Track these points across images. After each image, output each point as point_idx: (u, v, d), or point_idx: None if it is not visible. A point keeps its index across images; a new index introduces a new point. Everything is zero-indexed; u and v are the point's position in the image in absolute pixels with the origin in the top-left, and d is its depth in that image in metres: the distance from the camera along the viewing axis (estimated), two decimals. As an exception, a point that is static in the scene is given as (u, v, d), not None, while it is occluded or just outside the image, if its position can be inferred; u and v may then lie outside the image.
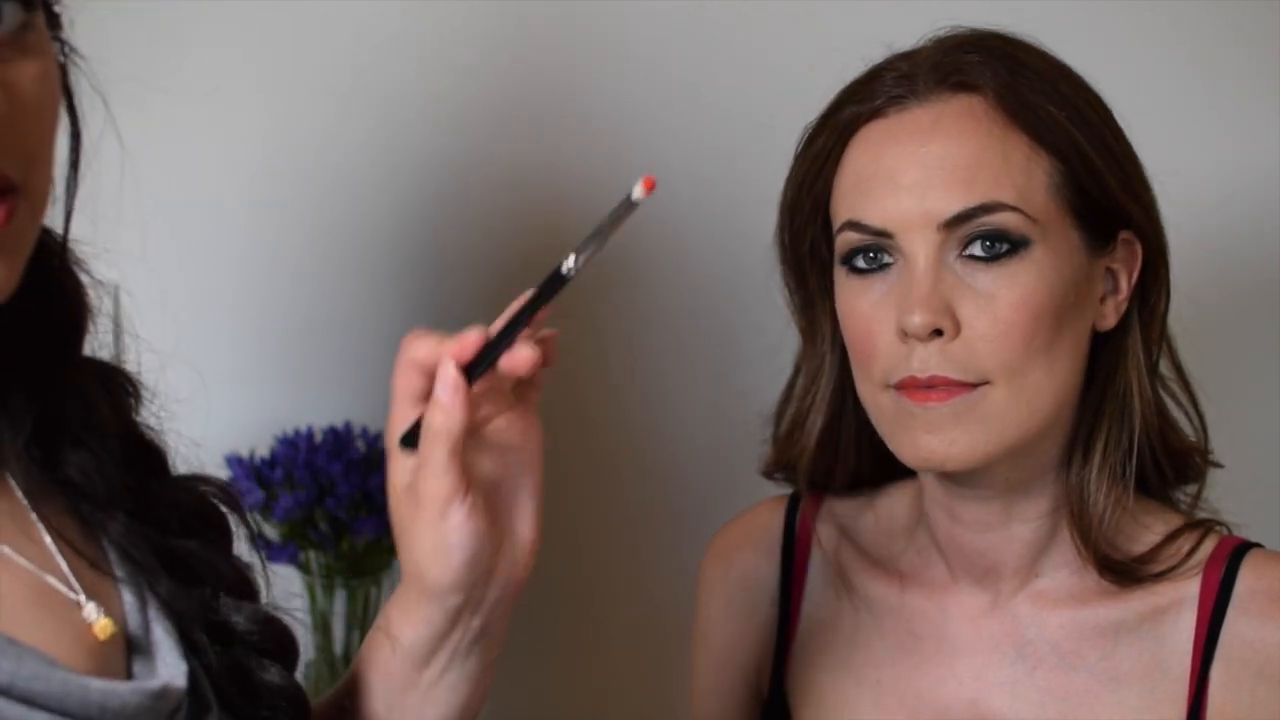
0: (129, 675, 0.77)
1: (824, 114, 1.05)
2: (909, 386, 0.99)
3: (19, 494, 0.78)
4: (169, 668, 0.78)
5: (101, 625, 0.76)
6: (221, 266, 1.49)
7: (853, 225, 1.01)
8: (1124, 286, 1.04)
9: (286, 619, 0.86)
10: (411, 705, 0.87)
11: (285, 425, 1.45)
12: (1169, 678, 1.04)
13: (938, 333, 0.98)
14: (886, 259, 1.00)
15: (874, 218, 1.00)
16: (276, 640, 0.85)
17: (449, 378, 0.78)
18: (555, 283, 0.79)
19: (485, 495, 0.82)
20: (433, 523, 0.80)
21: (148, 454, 0.86)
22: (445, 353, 0.79)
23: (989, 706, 1.08)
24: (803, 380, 1.12)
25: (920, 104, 1.00)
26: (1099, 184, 1.00)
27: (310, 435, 1.43)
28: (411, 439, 0.82)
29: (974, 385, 0.98)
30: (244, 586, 0.86)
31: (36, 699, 0.70)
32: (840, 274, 1.03)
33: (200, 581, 0.83)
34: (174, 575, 0.81)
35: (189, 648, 0.80)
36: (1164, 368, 1.08)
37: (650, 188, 0.76)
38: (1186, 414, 1.09)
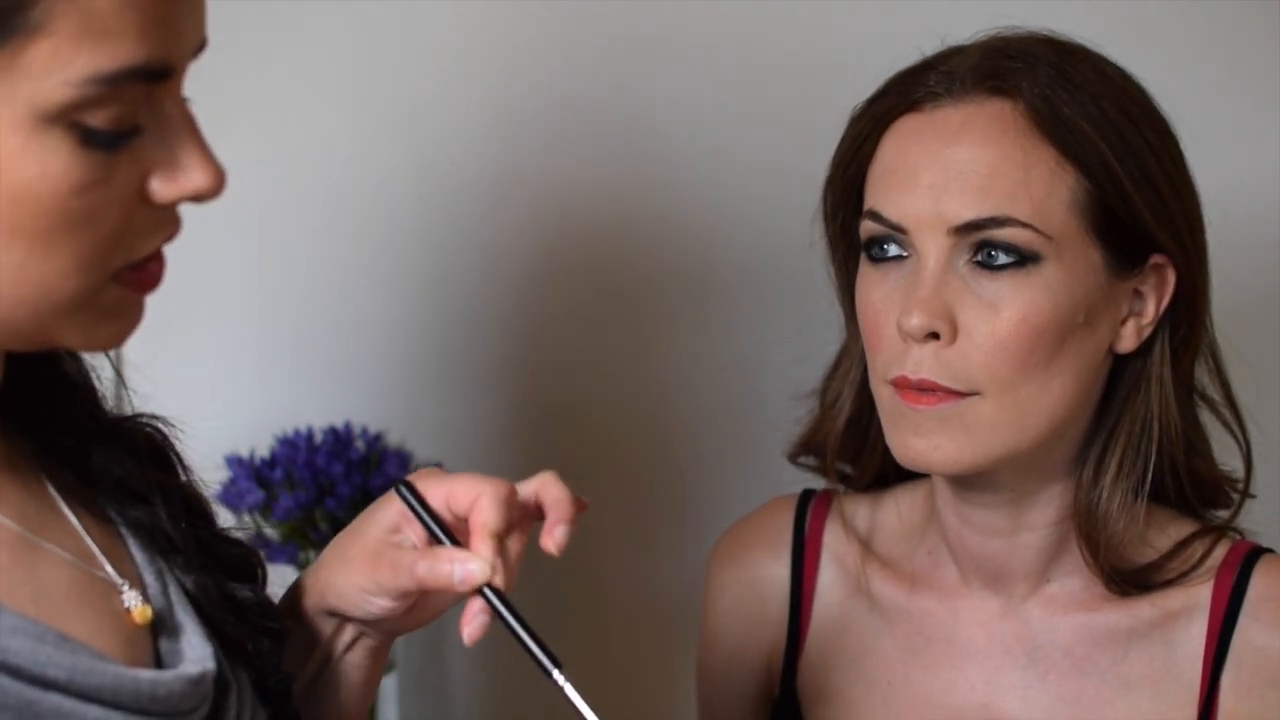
0: (157, 656, 0.79)
1: (871, 98, 1.05)
2: (902, 385, 0.99)
3: (51, 489, 0.80)
4: (195, 649, 0.80)
5: (140, 611, 0.79)
6: (222, 266, 1.48)
7: (873, 215, 1.02)
8: (1150, 311, 1.02)
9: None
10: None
11: (285, 425, 1.44)
12: (1180, 683, 1.04)
13: (934, 336, 0.98)
14: (900, 251, 1.01)
15: (891, 212, 1.00)
16: (242, 561, 0.89)
17: (474, 580, 0.82)
18: (541, 661, 0.86)
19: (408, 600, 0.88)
20: (364, 588, 0.86)
21: (152, 445, 0.88)
22: (488, 558, 0.83)
23: (1000, 710, 1.07)
24: (844, 360, 1.12)
25: (954, 104, 1.00)
26: (1127, 206, 0.99)
27: (310, 435, 1.42)
28: (411, 497, 0.85)
29: (963, 394, 0.98)
30: (246, 566, 0.90)
31: (92, 693, 0.73)
32: (862, 260, 1.04)
33: (213, 561, 0.86)
34: (189, 557, 0.85)
35: (210, 627, 0.83)
36: (1214, 391, 1.08)
37: None
38: (1237, 441, 1.09)
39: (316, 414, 1.47)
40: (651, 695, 1.54)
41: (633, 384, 1.54)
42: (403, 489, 0.85)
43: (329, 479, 1.40)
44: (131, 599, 0.79)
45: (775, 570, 1.16)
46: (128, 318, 0.75)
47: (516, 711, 1.57)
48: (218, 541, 0.88)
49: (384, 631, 0.91)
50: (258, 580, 0.90)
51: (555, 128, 1.49)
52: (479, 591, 0.82)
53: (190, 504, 0.87)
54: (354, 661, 0.92)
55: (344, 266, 1.52)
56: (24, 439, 0.81)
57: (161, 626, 0.80)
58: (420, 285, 1.52)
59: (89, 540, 0.80)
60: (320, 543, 1.40)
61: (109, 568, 0.79)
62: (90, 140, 0.68)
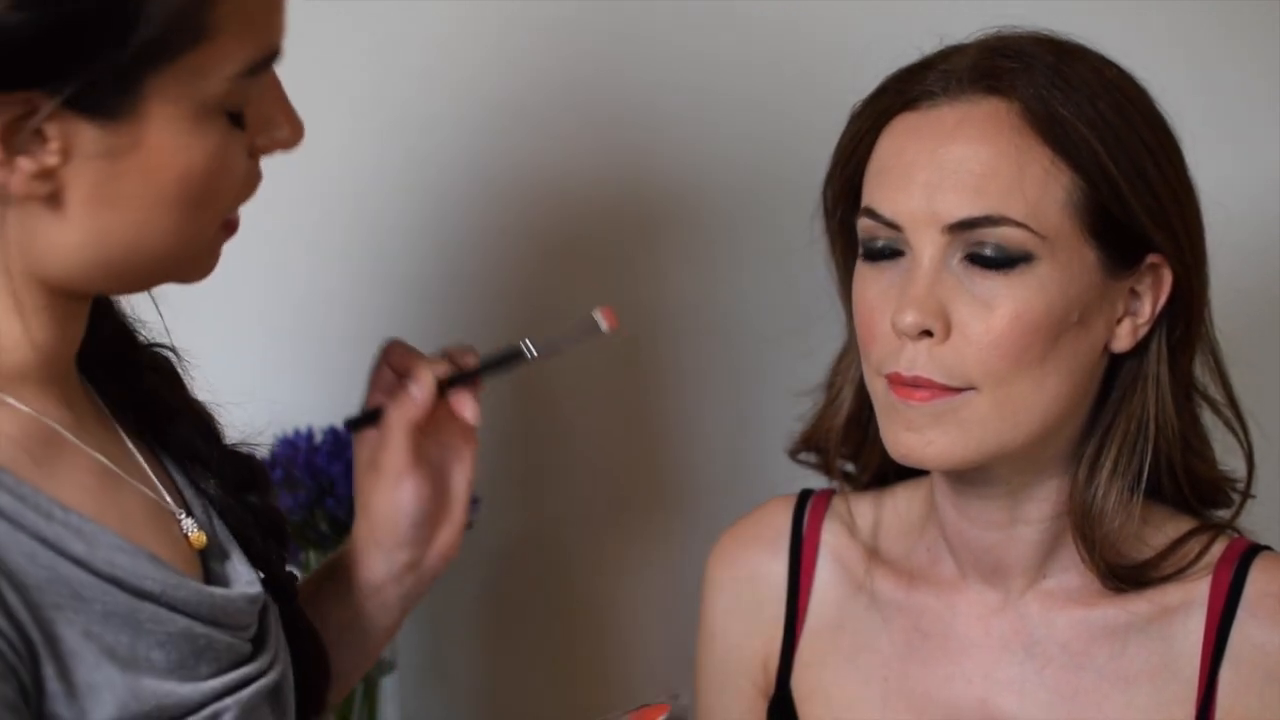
0: (208, 578, 0.89)
1: (869, 96, 1.06)
2: (895, 381, 1.00)
3: (119, 429, 0.90)
4: (243, 574, 0.91)
5: (196, 536, 0.89)
6: (222, 266, 1.48)
7: (869, 212, 1.02)
8: (1146, 311, 1.03)
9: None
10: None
11: (285, 425, 1.44)
12: (1178, 679, 1.04)
13: (928, 333, 0.99)
14: (896, 249, 1.01)
15: (886, 209, 1.01)
16: (251, 471, 1.00)
17: (426, 382, 0.99)
18: (512, 357, 1.01)
19: (430, 478, 1.02)
20: (389, 489, 1.01)
21: (170, 368, 0.99)
22: (425, 365, 1.00)
23: (997, 705, 1.08)
24: (847, 356, 1.12)
25: (950, 103, 1.00)
26: (1123, 207, 0.99)
27: (310, 435, 1.42)
28: (357, 423, 1.03)
29: (958, 390, 0.99)
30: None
31: (179, 605, 0.83)
32: (859, 257, 1.04)
33: (229, 470, 0.96)
34: (210, 466, 0.96)
35: (250, 552, 0.93)
36: (1216, 391, 1.08)
37: (611, 322, 0.99)
38: (1239, 441, 1.09)
39: (316, 414, 1.46)
40: (651, 694, 1.54)
41: (634, 383, 1.54)
42: (349, 422, 1.03)
43: (329, 479, 1.40)
44: (189, 525, 0.89)
45: (773, 569, 1.16)
46: (218, 254, 0.87)
47: (516, 711, 1.57)
48: (230, 454, 0.98)
49: (417, 569, 1.03)
50: (263, 488, 1.00)
51: (555, 129, 1.49)
52: (440, 391, 0.99)
53: (205, 420, 0.98)
54: (385, 601, 1.04)
55: (344, 266, 1.52)
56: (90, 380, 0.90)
57: (210, 551, 0.90)
58: (420, 286, 1.52)
59: (150, 473, 0.89)
60: (320, 542, 1.40)
61: (168, 497, 0.89)
62: (235, 119, 0.80)
